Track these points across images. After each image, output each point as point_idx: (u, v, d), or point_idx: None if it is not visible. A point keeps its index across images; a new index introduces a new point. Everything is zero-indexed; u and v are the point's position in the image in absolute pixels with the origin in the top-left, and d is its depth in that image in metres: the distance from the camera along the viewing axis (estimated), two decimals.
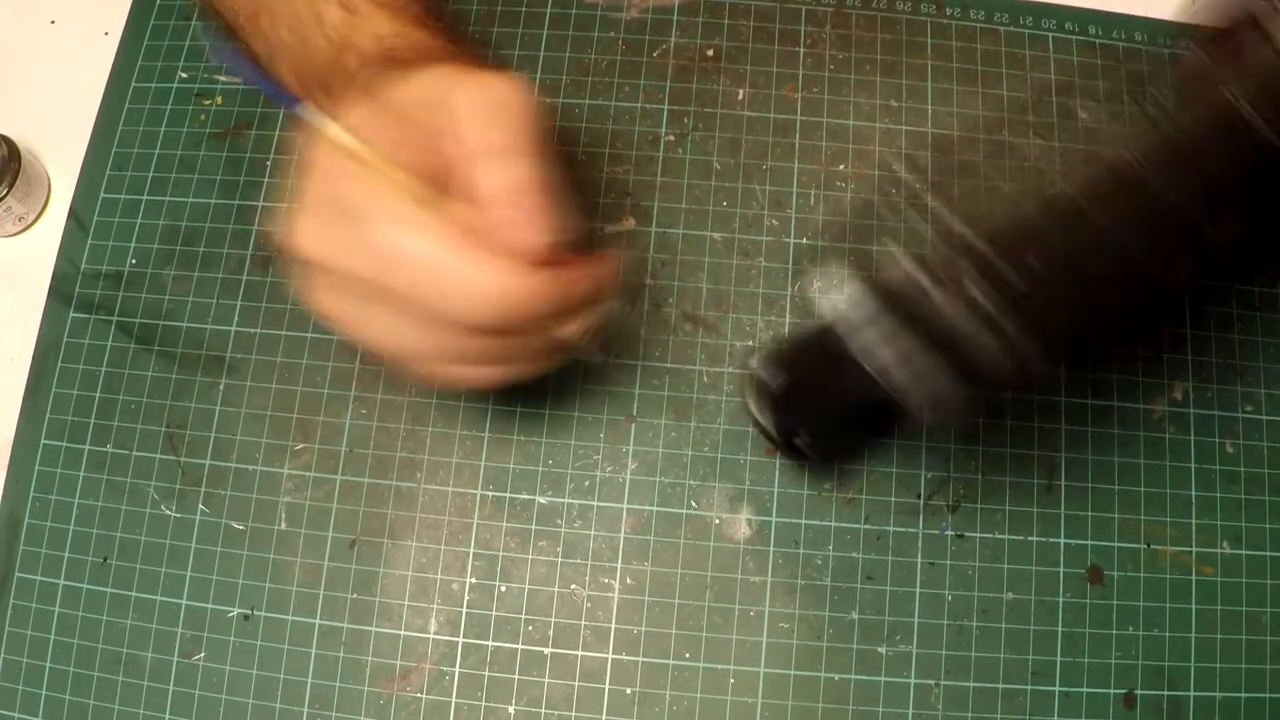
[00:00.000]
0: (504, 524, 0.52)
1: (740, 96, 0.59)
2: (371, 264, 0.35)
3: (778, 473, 0.52)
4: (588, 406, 0.53)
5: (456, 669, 0.50)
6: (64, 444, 0.54)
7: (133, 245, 0.57)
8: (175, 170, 0.58)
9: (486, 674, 0.50)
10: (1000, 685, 0.50)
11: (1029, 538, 0.51)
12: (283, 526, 0.52)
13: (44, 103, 0.61)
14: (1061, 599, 0.51)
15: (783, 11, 0.60)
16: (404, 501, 0.53)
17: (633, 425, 0.53)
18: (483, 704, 0.50)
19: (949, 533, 0.51)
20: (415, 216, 0.35)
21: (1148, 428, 0.53)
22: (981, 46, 0.59)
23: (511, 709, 0.50)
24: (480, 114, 0.36)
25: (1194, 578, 0.51)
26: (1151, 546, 0.52)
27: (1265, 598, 0.51)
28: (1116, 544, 0.52)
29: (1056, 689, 0.50)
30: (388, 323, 0.37)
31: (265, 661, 0.51)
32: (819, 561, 0.51)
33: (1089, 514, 0.52)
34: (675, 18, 0.60)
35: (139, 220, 0.57)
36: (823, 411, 0.47)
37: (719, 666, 0.50)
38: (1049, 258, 0.36)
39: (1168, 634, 0.51)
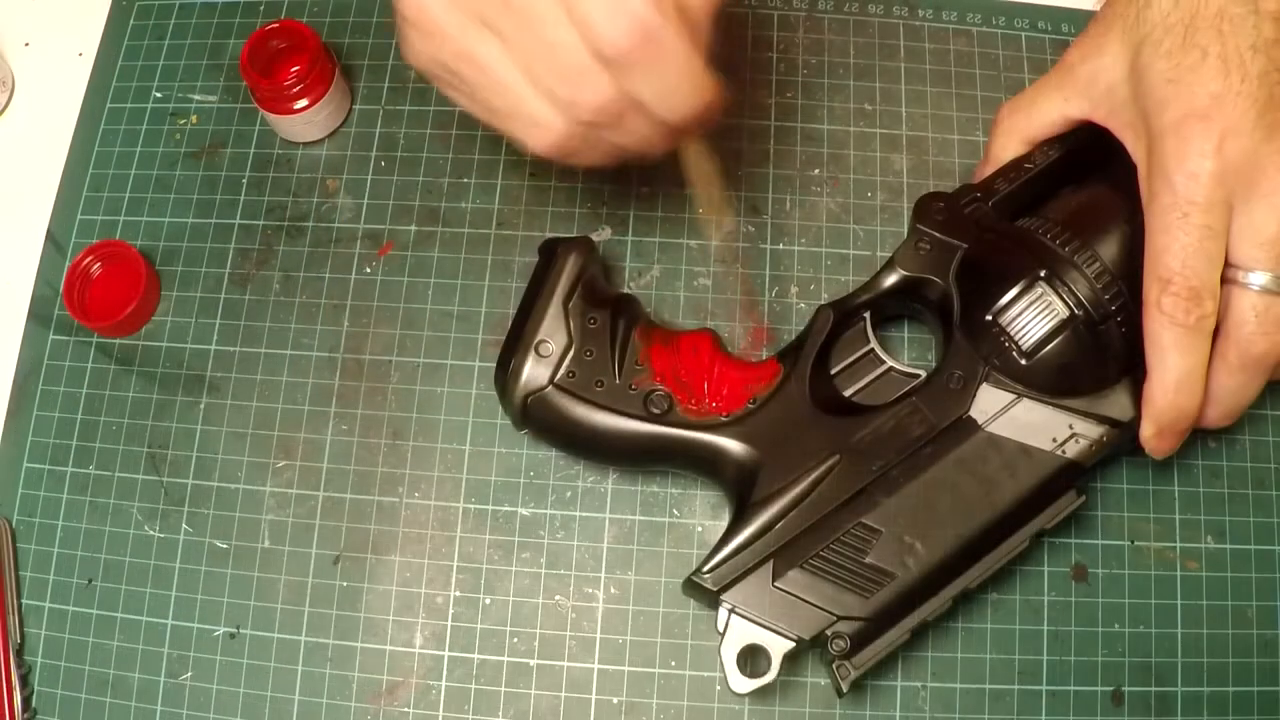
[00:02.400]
0: (487, 536, 0.52)
1: None
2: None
3: None
4: None
5: (443, 683, 0.50)
6: (46, 467, 0.54)
7: None
8: (151, 190, 0.58)
9: (473, 687, 0.50)
10: (987, 686, 0.50)
11: None
12: (266, 544, 0.52)
13: (19, 125, 0.61)
14: (1047, 598, 0.51)
15: (755, 17, 0.60)
16: (386, 516, 0.53)
17: None
18: (470, 717, 0.50)
19: None
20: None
21: None
22: (955, 48, 0.60)
23: None
24: None
25: (1179, 573, 0.51)
26: (1135, 543, 0.52)
27: (1250, 591, 0.51)
28: (1100, 541, 0.52)
29: (1043, 688, 0.50)
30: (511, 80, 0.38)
31: (252, 680, 0.51)
32: None
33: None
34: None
35: None
36: None
37: (705, 674, 0.50)
38: None
39: (1154, 630, 0.51)
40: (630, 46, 0.36)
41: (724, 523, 0.46)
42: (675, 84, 0.37)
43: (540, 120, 0.39)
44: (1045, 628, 0.50)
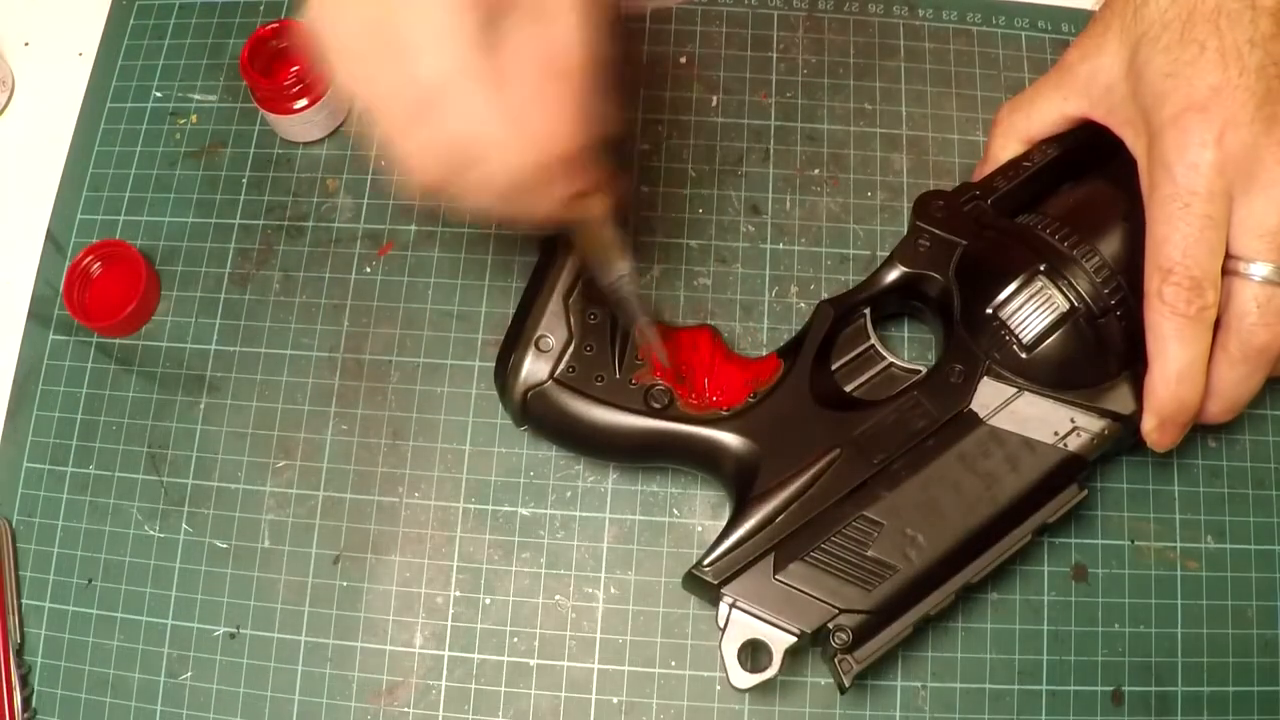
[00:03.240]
0: (487, 536, 0.52)
1: (714, 103, 0.59)
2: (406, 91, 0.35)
3: None
4: None
5: (443, 683, 0.50)
6: (46, 466, 0.54)
7: None
8: (151, 190, 0.58)
9: (473, 687, 0.50)
10: (987, 685, 0.50)
11: None
12: (266, 544, 0.52)
13: (19, 125, 0.61)
14: (1047, 598, 0.51)
15: (755, 17, 0.60)
16: (386, 516, 0.52)
17: None
18: (470, 717, 0.50)
19: None
20: (472, 62, 0.35)
21: None
22: (954, 47, 0.60)
23: None
24: None
25: (1179, 573, 0.51)
26: (1135, 543, 0.52)
27: (1250, 591, 0.51)
28: (1100, 541, 0.52)
29: (1044, 688, 0.50)
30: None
31: (252, 679, 0.51)
32: None
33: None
34: (648, 25, 0.60)
35: None
36: None
37: (705, 674, 0.50)
38: None
39: (1154, 630, 0.50)
40: (442, 80, 0.35)
41: (724, 522, 0.46)
42: (497, 129, 0.36)
43: (411, 156, 0.38)
44: (1045, 628, 0.50)
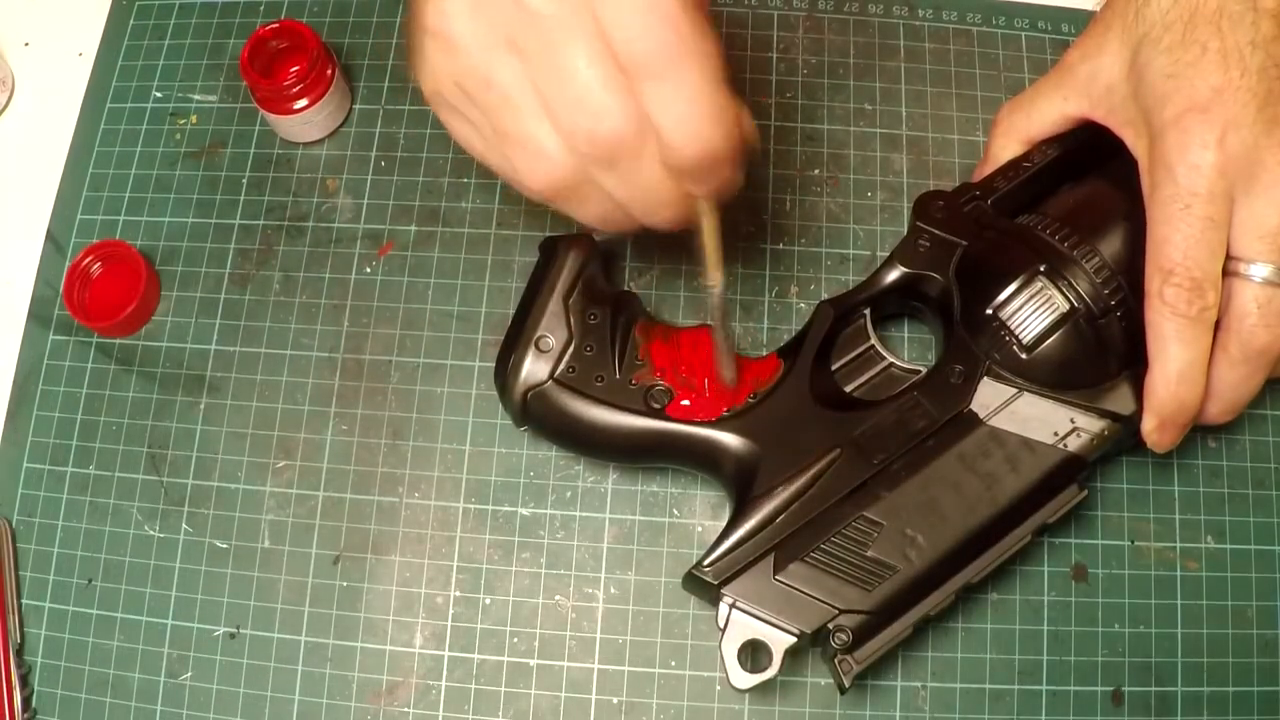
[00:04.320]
0: (487, 536, 0.52)
1: None
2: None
3: None
4: None
5: (443, 683, 0.50)
6: (46, 467, 0.54)
7: None
8: (151, 190, 0.58)
9: (473, 687, 0.50)
10: (987, 685, 0.50)
11: None
12: (266, 544, 0.52)
13: (19, 125, 0.61)
14: (1046, 598, 0.51)
15: (755, 17, 0.60)
16: (386, 516, 0.53)
17: None
18: (470, 717, 0.50)
19: None
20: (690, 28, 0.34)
21: None
22: (955, 48, 0.60)
23: None
24: None
25: (1179, 573, 0.51)
26: (1135, 543, 0.52)
27: (1250, 591, 0.51)
28: (1100, 541, 0.52)
29: (1044, 688, 0.50)
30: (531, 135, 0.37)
31: (252, 680, 0.51)
32: None
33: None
34: None
35: None
36: None
37: (705, 674, 0.50)
38: None
39: (1154, 630, 0.50)
40: (661, 54, 0.34)
41: (724, 523, 0.46)
42: (697, 107, 0.35)
43: (545, 150, 0.37)
44: (1045, 628, 0.50)
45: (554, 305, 0.47)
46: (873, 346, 0.50)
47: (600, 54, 0.34)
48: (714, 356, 0.47)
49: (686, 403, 0.47)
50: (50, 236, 0.58)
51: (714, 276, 0.43)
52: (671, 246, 0.56)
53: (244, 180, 0.58)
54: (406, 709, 0.50)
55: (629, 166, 0.37)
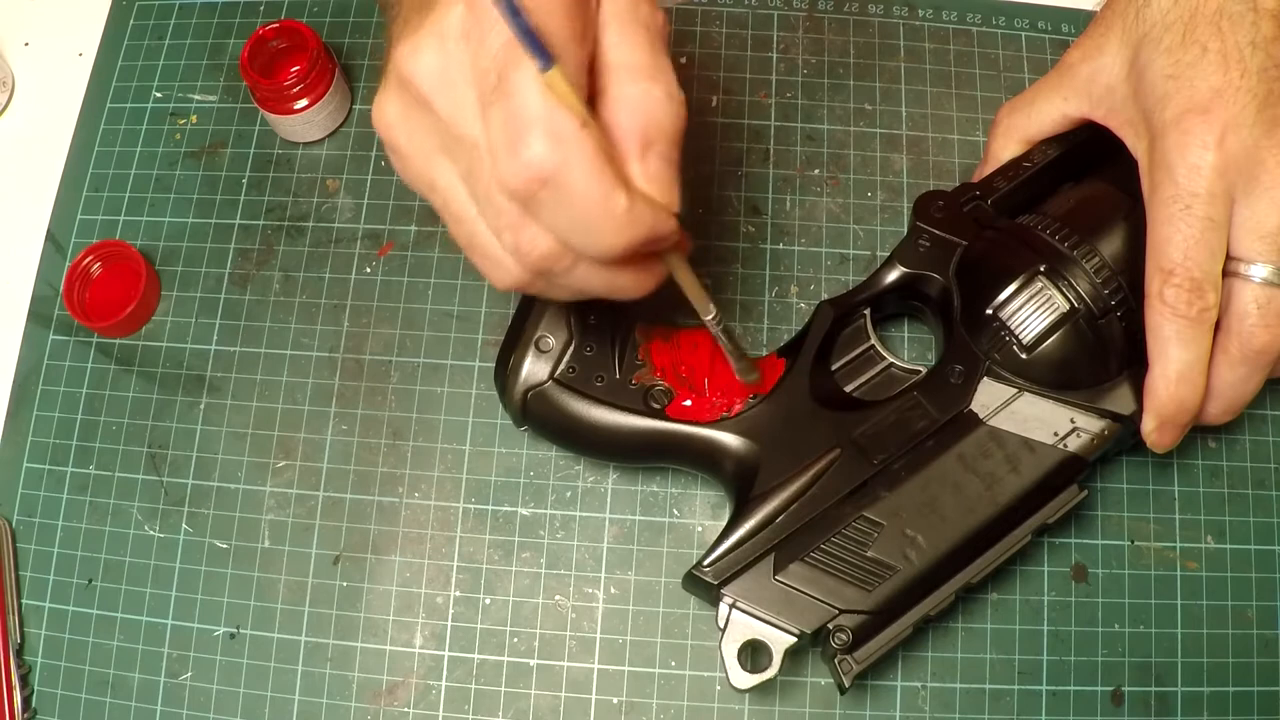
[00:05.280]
0: (487, 536, 0.52)
1: (714, 103, 0.59)
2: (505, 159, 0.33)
3: None
4: None
5: (443, 683, 0.50)
6: (46, 467, 0.54)
7: None
8: (151, 190, 0.58)
9: (473, 687, 0.50)
10: (987, 686, 0.50)
11: None
12: (266, 544, 0.52)
13: (19, 125, 0.61)
14: (1046, 598, 0.51)
15: (755, 17, 0.60)
16: (386, 516, 0.53)
17: None
18: (470, 717, 0.50)
19: None
20: (575, 134, 0.33)
21: None
22: (955, 48, 0.60)
23: None
24: (620, 24, 0.35)
25: (1179, 573, 0.51)
26: (1135, 543, 0.52)
27: (1250, 591, 0.51)
28: (1100, 541, 0.52)
29: (1044, 688, 0.50)
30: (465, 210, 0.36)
31: (252, 680, 0.51)
32: None
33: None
34: None
35: None
36: None
37: (705, 674, 0.50)
38: None
39: (1154, 630, 0.50)
40: (526, 187, 0.33)
41: (724, 523, 0.46)
42: (591, 222, 0.34)
43: (496, 260, 0.37)
44: (1045, 628, 0.50)
45: (554, 305, 0.47)
46: (873, 346, 0.50)
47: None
48: (732, 371, 0.47)
49: (688, 403, 0.47)
50: (50, 236, 0.58)
51: (707, 310, 0.43)
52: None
53: (244, 180, 0.58)
54: (406, 709, 0.50)
55: (567, 271, 0.36)
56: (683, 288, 0.41)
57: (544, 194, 0.33)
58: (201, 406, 0.55)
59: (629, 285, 0.38)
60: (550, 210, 0.34)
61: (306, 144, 0.59)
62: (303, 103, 0.56)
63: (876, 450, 0.45)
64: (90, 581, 0.52)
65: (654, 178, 0.35)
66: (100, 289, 0.56)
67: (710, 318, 0.43)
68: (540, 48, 0.31)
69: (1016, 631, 0.50)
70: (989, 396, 0.45)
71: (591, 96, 0.35)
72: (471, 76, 0.34)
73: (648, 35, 0.36)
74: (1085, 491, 0.45)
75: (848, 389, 0.49)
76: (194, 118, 0.60)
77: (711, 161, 0.57)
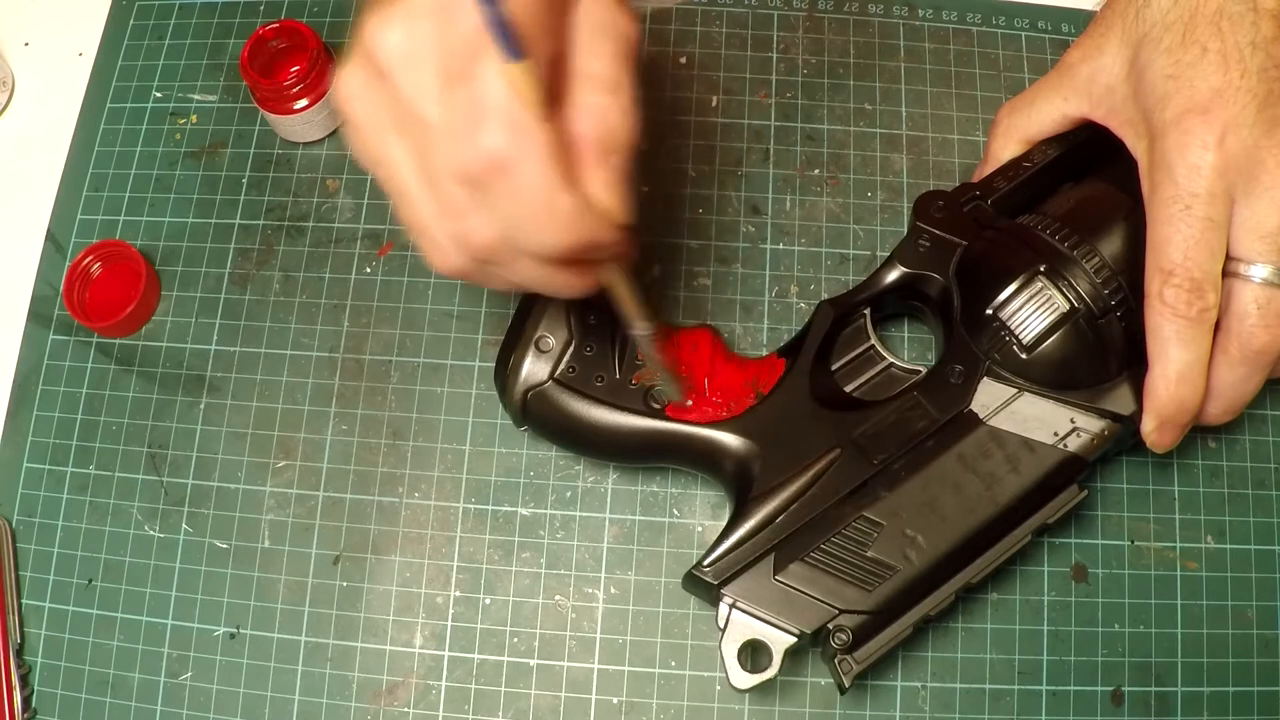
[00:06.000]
0: (487, 536, 0.52)
1: (714, 103, 0.59)
2: (453, 144, 0.33)
3: None
4: None
5: (443, 683, 0.50)
6: (46, 467, 0.54)
7: None
8: (151, 190, 0.58)
9: (473, 687, 0.50)
10: (987, 686, 0.50)
11: None
12: (266, 544, 0.52)
13: (19, 125, 0.61)
14: (1046, 598, 0.51)
15: (755, 17, 0.60)
16: (386, 516, 0.53)
17: None
18: (470, 717, 0.50)
19: None
20: (532, 128, 0.33)
21: None
22: (955, 48, 0.60)
23: None
24: (591, 33, 0.36)
25: (1179, 573, 0.51)
26: (1135, 543, 0.52)
27: (1250, 591, 0.51)
28: (1100, 541, 0.52)
29: (1044, 688, 0.50)
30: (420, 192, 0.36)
31: (252, 680, 0.51)
32: None
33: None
34: (648, 26, 0.60)
35: None
36: None
37: (705, 674, 0.50)
38: None
39: (1154, 630, 0.50)
40: (478, 173, 0.33)
41: (724, 523, 0.46)
42: (537, 217, 0.34)
43: (438, 244, 0.37)
44: (1045, 628, 0.50)
45: (554, 305, 0.47)
46: (873, 346, 0.50)
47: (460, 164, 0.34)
48: (660, 380, 0.47)
49: (689, 403, 0.47)
50: (50, 236, 0.58)
51: (640, 325, 0.43)
52: (672, 248, 0.56)
53: (244, 180, 0.58)
54: (406, 709, 0.50)
55: (508, 264, 0.37)
56: (616, 299, 0.42)
57: (494, 182, 0.33)
58: (201, 406, 0.55)
59: (564, 285, 0.38)
60: (497, 201, 0.34)
61: (306, 144, 0.59)
62: (303, 103, 0.56)
63: (876, 450, 0.45)
64: (90, 581, 0.52)
65: (606, 185, 0.35)
66: (100, 289, 0.56)
67: (640, 332, 0.43)
68: (509, 40, 0.31)
69: (1016, 631, 0.50)
70: (989, 396, 0.45)
71: (553, 99, 0.35)
72: (437, 57, 0.34)
73: (615, 47, 0.36)
74: (1085, 491, 0.45)
75: (848, 389, 0.49)
76: (194, 118, 0.60)
77: (711, 161, 0.57)
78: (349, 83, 0.36)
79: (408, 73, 0.34)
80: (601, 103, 0.35)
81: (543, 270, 0.37)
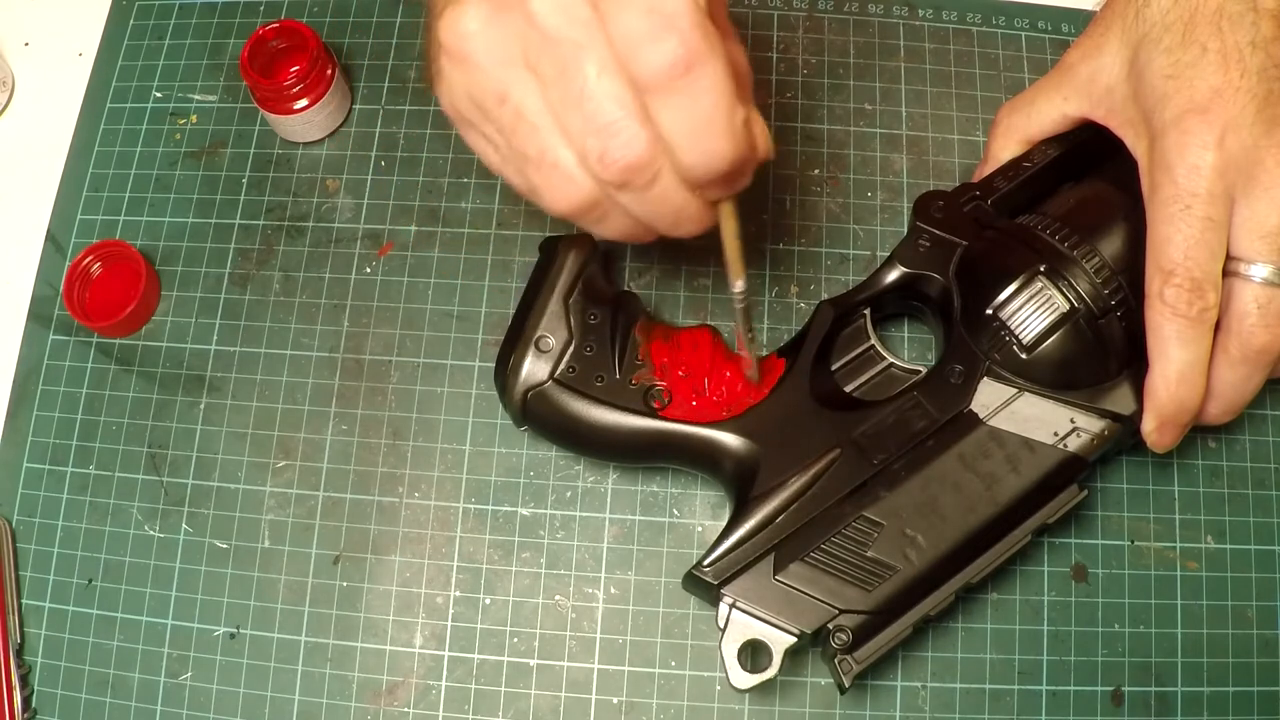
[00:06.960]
0: (487, 536, 0.52)
1: None
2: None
3: None
4: None
5: (443, 683, 0.50)
6: (46, 467, 0.54)
7: None
8: (151, 190, 0.58)
9: (473, 687, 0.50)
10: (987, 686, 0.50)
11: None
12: (266, 544, 0.52)
13: (19, 125, 0.61)
14: (1046, 598, 0.51)
15: (755, 17, 0.60)
16: (386, 516, 0.53)
17: None
18: (470, 717, 0.50)
19: None
20: (716, 34, 0.34)
21: None
22: (955, 47, 0.60)
23: None
24: None
25: (1179, 573, 0.51)
26: (1135, 543, 0.52)
27: (1250, 591, 0.51)
28: (1100, 541, 0.52)
29: (1044, 688, 0.50)
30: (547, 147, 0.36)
31: (252, 680, 0.51)
32: None
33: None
34: None
35: None
36: None
37: (705, 674, 0.50)
38: None
39: (1154, 630, 0.50)
40: (669, 73, 0.33)
41: (724, 523, 0.46)
42: (711, 124, 0.35)
43: (566, 174, 0.37)
44: (1045, 628, 0.50)
45: (554, 305, 0.47)
46: (873, 346, 0.50)
47: (613, 74, 0.34)
48: (741, 357, 0.47)
49: (693, 403, 0.47)
50: (50, 236, 0.58)
51: (738, 280, 0.42)
52: (671, 247, 0.56)
53: (244, 180, 0.58)
54: (406, 709, 0.50)
55: (647, 186, 0.36)
56: (724, 243, 0.41)
57: (680, 83, 0.34)
58: (201, 406, 0.55)
59: (689, 217, 0.38)
60: (676, 105, 0.34)
61: (306, 144, 0.59)
62: (303, 103, 0.56)
63: (876, 450, 0.45)
64: (90, 581, 0.52)
65: (754, 115, 0.37)
66: (100, 289, 0.56)
67: (739, 289, 0.43)
68: None
69: (1016, 631, 0.50)
70: (989, 396, 0.46)
71: None
72: None
73: (727, 8, 0.38)
74: (1085, 491, 0.45)
75: (848, 389, 0.49)
76: (194, 118, 0.60)
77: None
78: (464, 22, 0.36)
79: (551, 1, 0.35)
80: (735, 49, 0.37)
81: (678, 196, 0.37)
